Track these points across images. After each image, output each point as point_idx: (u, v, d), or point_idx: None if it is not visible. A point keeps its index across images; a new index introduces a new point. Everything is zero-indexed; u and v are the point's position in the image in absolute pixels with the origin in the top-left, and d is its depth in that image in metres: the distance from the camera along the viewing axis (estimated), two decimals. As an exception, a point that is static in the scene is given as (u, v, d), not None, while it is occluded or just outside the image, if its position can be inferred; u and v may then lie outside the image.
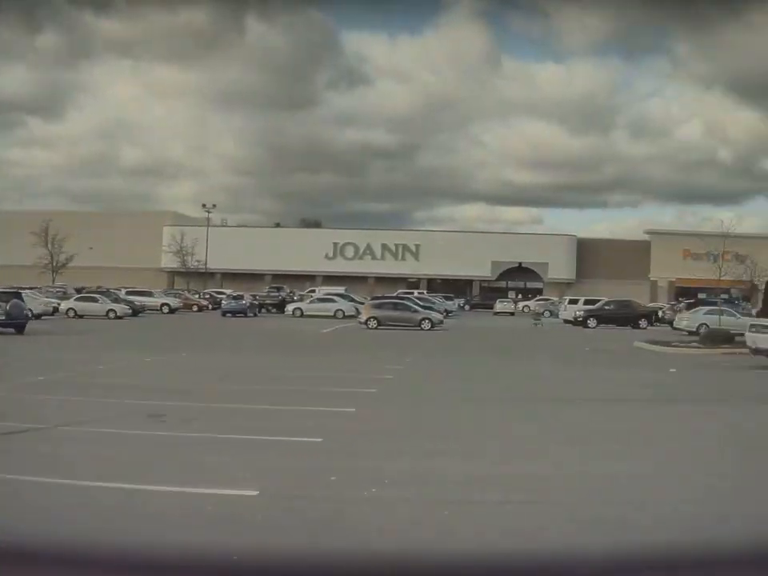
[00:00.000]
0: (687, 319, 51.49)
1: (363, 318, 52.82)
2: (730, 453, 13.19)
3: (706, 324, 50.05)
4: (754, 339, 28.47)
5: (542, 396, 20.47)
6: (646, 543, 7.51)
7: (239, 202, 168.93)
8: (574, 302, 65.82)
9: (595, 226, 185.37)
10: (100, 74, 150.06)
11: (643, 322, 58.81)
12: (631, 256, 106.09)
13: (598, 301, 63.15)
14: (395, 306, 53.82)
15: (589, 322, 58.45)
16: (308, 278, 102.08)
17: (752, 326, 30.23)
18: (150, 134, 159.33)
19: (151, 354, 29.94)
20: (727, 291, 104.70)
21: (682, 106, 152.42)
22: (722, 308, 56.27)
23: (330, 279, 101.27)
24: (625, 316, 59.10)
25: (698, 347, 36.77)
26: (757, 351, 28.47)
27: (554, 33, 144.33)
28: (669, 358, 33.17)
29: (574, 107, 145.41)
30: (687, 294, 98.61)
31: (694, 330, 50.07)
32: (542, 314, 68.11)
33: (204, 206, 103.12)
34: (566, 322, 63.58)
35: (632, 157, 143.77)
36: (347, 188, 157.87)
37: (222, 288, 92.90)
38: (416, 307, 54.14)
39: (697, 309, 53.55)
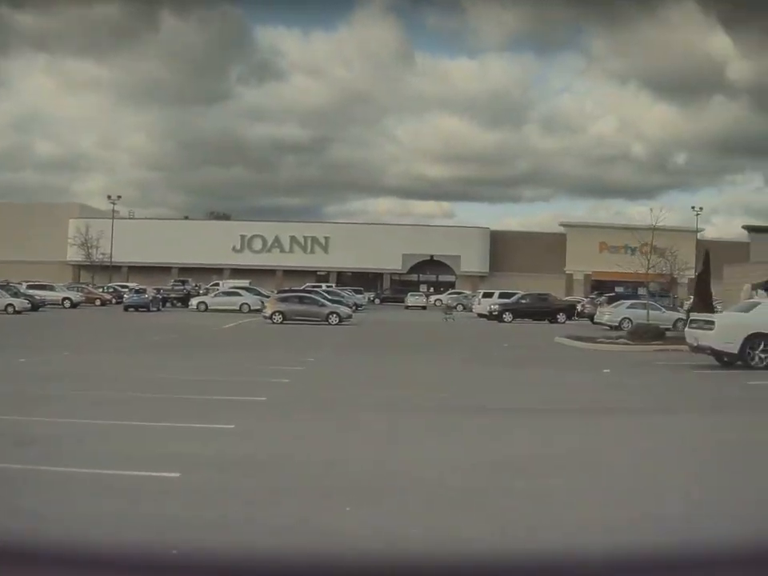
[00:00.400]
0: (609, 313, 49.06)
1: (268, 312, 49.50)
2: (692, 480, 10.14)
3: (629, 319, 47.82)
4: (695, 336, 25.50)
5: (460, 404, 17.34)
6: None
7: (151, 196, 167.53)
8: (488, 295, 63.23)
9: (508, 220, 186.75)
10: (14, 68, 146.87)
11: (561, 317, 56.39)
12: (546, 249, 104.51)
13: (514, 294, 60.59)
14: (301, 300, 50.60)
15: (504, 316, 55.75)
16: (215, 272, 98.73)
17: (693, 321, 27.13)
18: (64, 127, 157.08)
19: (29, 353, 26.13)
20: (645, 285, 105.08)
21: (595, 102, 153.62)
22: (646, 302, 54.37)
23: (238, 272, 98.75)
24: (542, 310, 56.63)
25: (627, 343, 33.94)
26: (698, 349, 25.51)
27: (469, 28, 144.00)
28: (597, 356, 30.34)
29: (487, 102, 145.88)
30: (603, 288, 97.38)
31: (617, 324, 47.82)
32: (455, 307, 65.02)
33: (109, 197, 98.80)
34: (481, 316, 61.13)
35: (545, 151, 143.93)
36: (259, 183, 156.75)
37: (128, 282, 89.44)
38: (323, 301, 50.98)
39: (619, 303, 51.16)
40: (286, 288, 70.59)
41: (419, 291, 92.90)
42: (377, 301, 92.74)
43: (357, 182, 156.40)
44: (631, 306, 49.38)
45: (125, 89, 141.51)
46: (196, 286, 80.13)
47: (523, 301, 57.69)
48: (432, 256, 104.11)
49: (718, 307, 64.52)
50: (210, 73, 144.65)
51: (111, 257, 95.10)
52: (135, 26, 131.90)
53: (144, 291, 66.79)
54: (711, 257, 41.23)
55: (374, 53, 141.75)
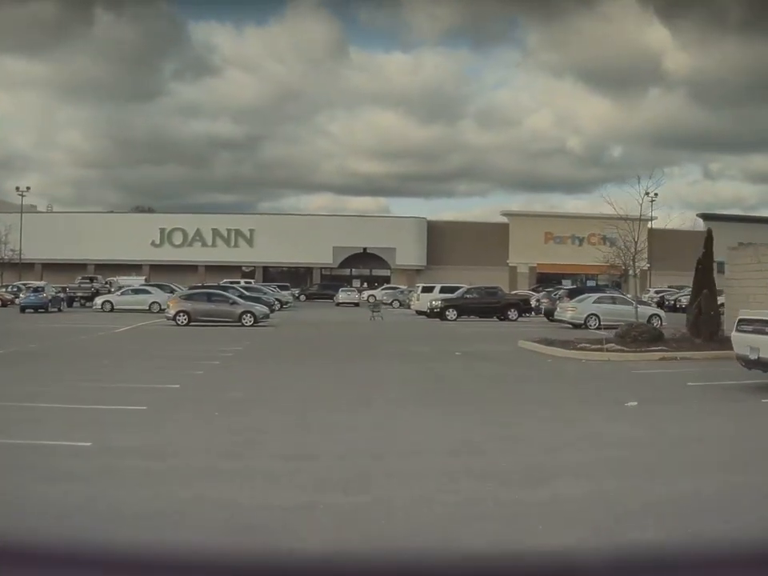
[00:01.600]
0: (573, 309, 41.91)
1: (171, 312, 41.86)
2: None
3: (596, 315, 41.26)
4: (756, 344, 17.40)
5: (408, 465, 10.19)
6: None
7: (87, 194, 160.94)
8: (428, 289, 55.77)
9: (444, 215, 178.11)
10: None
11: (513, 313, 49.50)
12: (487, 240, 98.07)
13: (458, 288, 53.42)
14: (210, 298, 42.96)
15: (447, 313, 48.63)
16: (134, 268, 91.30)
17: (746, 321, 18.19)
18: None
19: None
20: (593, 278, 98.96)
21: (531, 96, 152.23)
22: (613, 294, 47.78)
23: (158, 268, 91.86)
24: (491, 306, 49.63)
25: (621, 350, 26.03)
26: (758, 363, 17.55)
27: (404, 23, 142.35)
28: (590, 371, 22.90)
29: (421, 97, 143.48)
30: (549, 281, 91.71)
31: (581, 322, 41.04)
32: (389, 303, 56.90)
33: (17, 188, 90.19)
34: (420, 313, 54.36)
35: (480, 146, 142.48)
36: (192, 180, 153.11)
37: (42, 280, 79.64)
38: (235, 299, 43.33)
39: (584, 297, 43.86)
40: (199, 285, 62.63)
41: (351, 287, 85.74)
42: (302, 297, 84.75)
43: (291, 178, 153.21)
44: (598, 301, 42.44)
45: (58, 86, 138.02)
46: (106, 283, 71.85)
47: (469, 296, 50.47)
48: (365, 249, 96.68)
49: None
50: (145, 69, 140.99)
51: (21, 253, 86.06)
52: (68, 22, 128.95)
53: (42, 290, 58.81)
54: (661, 247, 34.60)
55: (306, 47, 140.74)
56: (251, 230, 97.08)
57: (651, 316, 42.14)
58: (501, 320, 48.73)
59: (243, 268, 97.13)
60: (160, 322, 42.66)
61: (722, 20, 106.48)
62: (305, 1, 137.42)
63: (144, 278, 75.02)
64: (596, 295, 43.89)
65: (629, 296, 46.80)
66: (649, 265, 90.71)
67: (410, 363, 24.14)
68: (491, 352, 27.95)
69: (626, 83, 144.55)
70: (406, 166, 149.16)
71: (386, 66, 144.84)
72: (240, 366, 23.62)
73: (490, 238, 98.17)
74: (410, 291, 69.60)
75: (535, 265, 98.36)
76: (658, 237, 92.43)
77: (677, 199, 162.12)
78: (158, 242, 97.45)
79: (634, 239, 74.20)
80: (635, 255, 71.26)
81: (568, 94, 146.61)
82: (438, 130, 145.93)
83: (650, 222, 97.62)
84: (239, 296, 50.48)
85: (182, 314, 41.08)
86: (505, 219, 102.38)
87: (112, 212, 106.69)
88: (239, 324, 40.57)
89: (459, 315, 48.64)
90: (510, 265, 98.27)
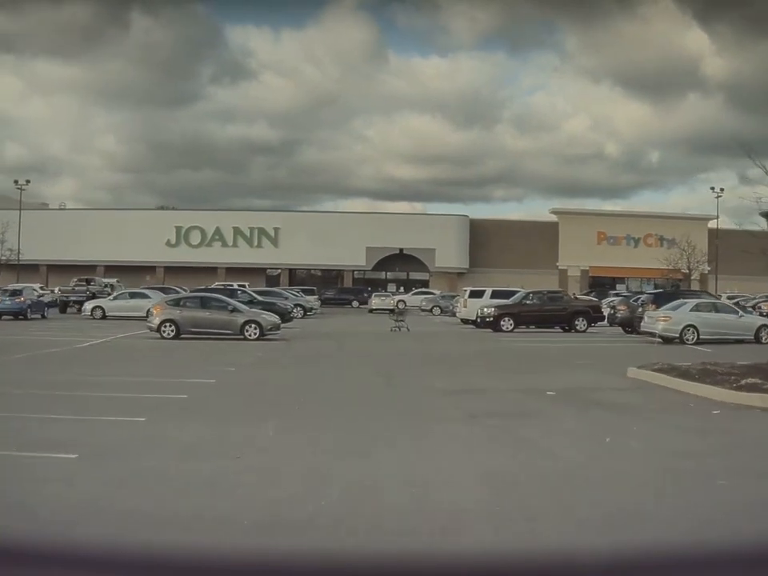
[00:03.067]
0: (665, 319, 32.40)
1: (155, 321, 33.04)
2: None
3: (694, 327, 31.97)
4: None
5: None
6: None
7: (120, 199, 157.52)
8: (477, 294, 46.70)
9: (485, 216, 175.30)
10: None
11: (581, 323, 40.47)
12: (535, 240, 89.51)
13: (511, 293, 44.42)
14: (204, 304, 33.80)
15: (503, 323, 39.70)
16: (147, 270, 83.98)
17: None
18: (32, 130, 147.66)
19: None
20: (649, 282, 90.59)
21: (568, 100, 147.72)
22: (713, 300, 38.78)
23: (173, 270, 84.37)
24: (554, 314, 40.67)
25: None
26: None
27: (442, 27, 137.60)
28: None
29: (458, 101, 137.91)
30: (602, 286, 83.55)
31: (676, 335, 31.91)
32: (407, 312, 46.56)
33: (16, 182, 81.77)
34: (465, 322, 45.62)
35: (516, 151, 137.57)
36: (228, 185, 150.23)
37: (46, 282, 76.18)
38: (236, 305, 34.04)
39: (678, 303, 34.13)
40: (202, 288, 53.72)
41: (385, 291, 76.97)
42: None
43: (327, 183, 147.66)
44: (696, 308, 33.15)
45: (94, 90, 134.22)
46: (107, 285, 63.13)
47: (528, 301, 41.35)
48: (401, 249, 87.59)
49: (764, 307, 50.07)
50: (181, 73, 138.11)
51: (19, 252, 77.52)
52: (104, 26, 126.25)
53: (20, 293, 50.11)
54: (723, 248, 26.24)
55: (344, 51, 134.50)
56: (276, 229, 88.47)
57: (760, 328, 33.16)
58: (566, 331, 40.00)
59: (268, 270, 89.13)
60: (143, 334, 33.83)
61: (760, 23, 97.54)
62: (343, 3, 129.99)
63: (116, 280, 67.66)
64: (693, 301, 34.49)
65: (729, 302, 37.69)
66: (709, 268, 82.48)
67: (483, 422, 13.86)
68: (598, 389, 18.15)
69: (663, 88, 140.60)
70: (442, 171, 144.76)
71: (423, 70, 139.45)
72: (176, 427, 13.23)
73: (538, 239, 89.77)
74: (453, 297, 61.81)
75: (587, 268, 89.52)
76: (720, 237, 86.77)
77: (711, 206, 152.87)
78: (173, 241, 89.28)
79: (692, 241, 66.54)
80: (698, 258, 64.01)
81: (605, 98, 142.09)
82: (474, 134, 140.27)
83: (711, 223, 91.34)
84: (249, 301, 42.07)
85: (168, 324, 32.33)
86: (554, 218, 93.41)
87: (123, 209, 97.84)
88: (241, 337, 31.87)
89: (517, 325, 39.73)
90: (559, 268, 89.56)
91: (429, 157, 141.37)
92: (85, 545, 6.52)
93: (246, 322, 32.20)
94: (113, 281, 66.50)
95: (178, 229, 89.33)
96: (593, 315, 41.53)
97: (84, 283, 61.00)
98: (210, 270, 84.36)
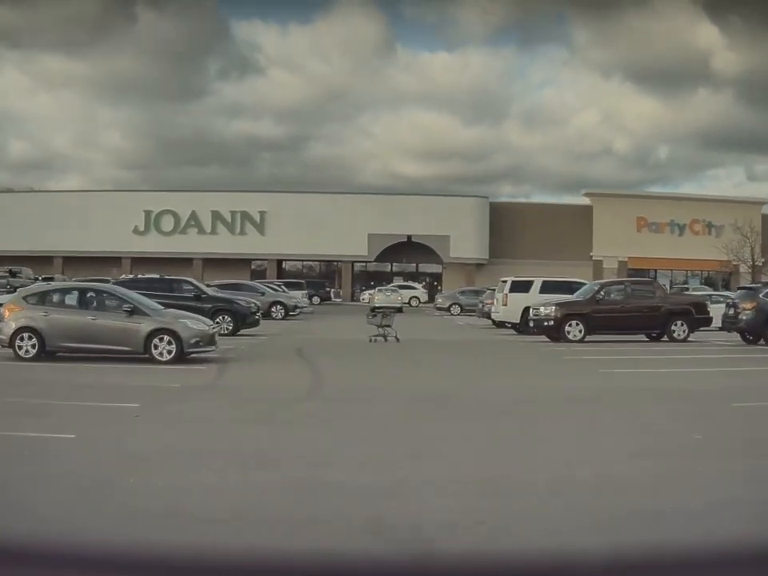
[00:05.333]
0: None
1: (5, 331, 19.65)
2: None
3: None
4: None
5: None
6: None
7: None
8: (520, 286, 33.34)
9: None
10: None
11: (680, 328, 27.40)
12: (566, 227, 77.05)
13: (570, 284, 31.40)
14: (83, 301, 20.21)
15: (569, 328, 26.55)
16: (113, 261, 70.94)
17: None
18: (38, 126, 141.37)
19: None
20: (695, 275, 79.83)
21: (577, 95, 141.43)
22: None
23: (141, 262, 70.75)
24: (643, 314, 27.53)
25: None
26: None
27: (451, 20, 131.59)
28: None
29: (466, 97, 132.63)
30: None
31: None
32: (394, 313, 30.96)
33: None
34: (500, 324, 34.35)
35: (524, 147, 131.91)
36: (234, 180, 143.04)
37: None
38: (139, 303, 19.95)
39: None
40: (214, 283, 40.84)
41: (391, 285, 64.56)
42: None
43: (334, 179, 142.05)
44: None
45: (100, 85, 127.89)
46: (37, 278, 49.30)
47: (604, 296, 28.03)
48: (410, 237, 74.52)
49: None
50: (188, 68, 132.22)
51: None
52: (110, 20, 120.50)
53: None
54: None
55: (352, 46, 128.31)
56: (262, 213, 75.48)
57: None
58: (655, 339, 27.07)
59: (253, 262, 76.57)
60: None
61: None
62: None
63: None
64: None
65: None
66: (764, 259, 71.82)
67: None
68: None
69: (673, 83, 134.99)
70: (449, 168, 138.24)
71: (431, 65, 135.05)
72: None
73: (569, 225, 77.34)
74: (470, 292, 51.87)
75: (626, 259, 77.00)
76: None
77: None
78: (141, 227, 76.46)
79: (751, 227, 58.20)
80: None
81: (615, 93, 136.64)
82: (482, 130, 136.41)
83: (765, 208, 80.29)
84: (196, 297, 29.32)
85: (26, 336, 19.09)
86: (587, 201, 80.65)
87: (84, 191, 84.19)
88: (145, 357, 18.67)
89: (589, 331, 26.57)
90: (594, 258, 77.06)
91: (436, 153, 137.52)
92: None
93: (154, 333, 18.82)
94: (21, 270, 52.72)
95: (148, 213, 76.40)
96: (696, 317, 28.22)
97: (8, 276, 47.71)
98: (184, 262, 71.63)
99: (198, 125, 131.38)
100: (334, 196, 78.15)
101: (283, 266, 78.13)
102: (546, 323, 27.10)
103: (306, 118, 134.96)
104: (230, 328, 29.01)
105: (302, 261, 77.85)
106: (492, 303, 36.64)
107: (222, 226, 76.12)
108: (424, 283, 75.92)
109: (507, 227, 76.01)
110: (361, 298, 68.83)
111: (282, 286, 48.68)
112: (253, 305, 30.41)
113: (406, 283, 69.82)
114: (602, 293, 28.04)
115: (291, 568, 5.35)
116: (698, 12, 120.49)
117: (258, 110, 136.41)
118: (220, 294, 31.42)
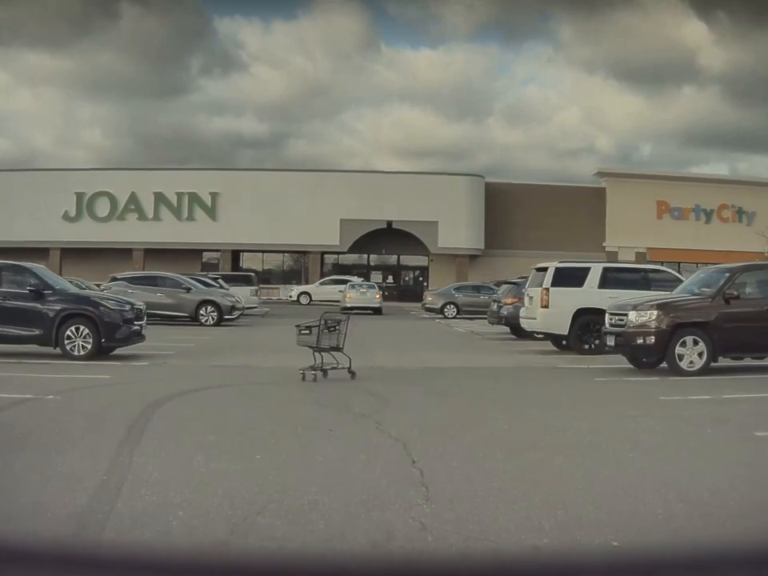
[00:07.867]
0: None
1: None
2: None
3: None
4: None
5: None
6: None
7: None
8: (568, 277, 21.40)
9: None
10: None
11: None
12: (575, 213, 66.48)
13: (634, 272, 19.94)
14: None
15: (681, 348, 14.75)
16: (40, 252, 59.16)
17: None
18: (18, 123, 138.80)
19: None
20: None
21: (560, 92, 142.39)
22: None
23: (72, 253, 61.74)
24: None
25: None
26: None
27: (434, 17, 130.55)
28: None
29: (449, 94, 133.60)
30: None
31: None
32: (340, 323, 17.12)
33: None
34: (522, 333, 24.54)
35: (507, 144, 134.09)
36: None
37: None
38: None
39: None
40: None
41: (366, 281, 53.80)
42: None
43: None
44: None
45: (82, 82, 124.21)
46: None
47: (741, 289, 16.10)
48: (390, 223, 63.15)
49: None
50: (170, 65, 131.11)
51: None
52: (93, 16, 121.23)
53: None
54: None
55: (335, 43, 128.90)
56: (214, 195, 63.78)
57: None
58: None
59: (204, 253, 65.55)
60: None
61: (761, 12, 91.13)
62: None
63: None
64: None
65: None
66: None
67: None
68: None
69: (658, 80, 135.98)
70: (432, 165, 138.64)
71: (414, 62, 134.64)
72: None
73: (579, 210, 66.79)
74: (469, 288, 43.24)
75: (645, 250, 66.74)
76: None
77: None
78: (72, 213, 65.02)
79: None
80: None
81: (599, 90, 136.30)
82: (465, 127, 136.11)
83: None
84: (34, 294, 17.39)
85: None
86: (600, 182, 69.77)
87: (4, 170, 72.07)
88: None
89: (716, 355, 14.80)
90: (607, 249, 66.59)
91: (419, 150, 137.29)
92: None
93: None
94: None
95: (80, 196, 64.78)
96: None
97: None
98: (122, 253, 61.79)
99: (180, 122, 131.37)
100: (300, 174, 66.11)
101: (240, 257, 66.58)
102: (640, 340, 15.18)
103: (289, 115, 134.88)
104: (88, 347, 17.17)
105: (262, 251, 66.06)
106: (514, 303, 25.11)
107: (167, 210, 64.47)
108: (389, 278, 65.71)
109: (505, 212, 65.64)
110: (288, 295, 57.73)
111: (220, 280, 36.86)
112: (129, 308, 18.24)
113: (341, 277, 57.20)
114: (736, 285, 16.02)
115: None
116: (685, 8, 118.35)
117: (241, 107, 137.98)
118: (75, 291, 19.40)
